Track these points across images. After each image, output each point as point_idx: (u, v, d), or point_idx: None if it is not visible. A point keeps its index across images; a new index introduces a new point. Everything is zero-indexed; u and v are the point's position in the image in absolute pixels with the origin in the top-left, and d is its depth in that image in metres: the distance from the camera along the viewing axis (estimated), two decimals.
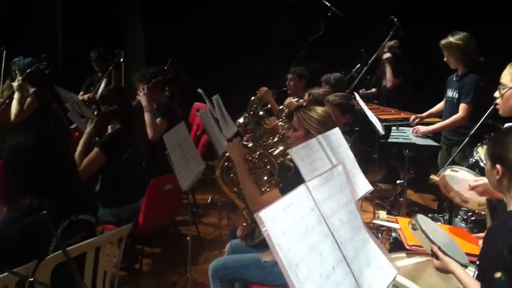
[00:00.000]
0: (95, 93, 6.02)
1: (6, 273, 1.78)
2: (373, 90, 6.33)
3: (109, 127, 4.02)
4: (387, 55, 5.84)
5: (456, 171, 2.82)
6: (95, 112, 4.80)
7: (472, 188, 2.57)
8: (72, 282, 1.90)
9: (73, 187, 2.28)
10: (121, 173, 3.65)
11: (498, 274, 1.48)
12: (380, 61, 6.00)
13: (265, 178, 3.14)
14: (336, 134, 2.70)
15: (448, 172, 2.83)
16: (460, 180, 2.75)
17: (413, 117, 4.77)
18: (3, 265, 1.75)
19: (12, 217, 2.10)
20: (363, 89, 6.33)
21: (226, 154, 3.10)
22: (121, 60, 6.11)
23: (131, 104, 4.09)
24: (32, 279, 1.72)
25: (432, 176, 2.94)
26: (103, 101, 3.88)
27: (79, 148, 3.56)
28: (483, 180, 2.54)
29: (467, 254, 2.19)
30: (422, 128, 4.43)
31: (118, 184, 3.68)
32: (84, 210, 2.30)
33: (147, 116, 4.20)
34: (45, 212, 1.53)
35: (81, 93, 6.18)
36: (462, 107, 4.13)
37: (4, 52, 5.21)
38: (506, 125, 2.99)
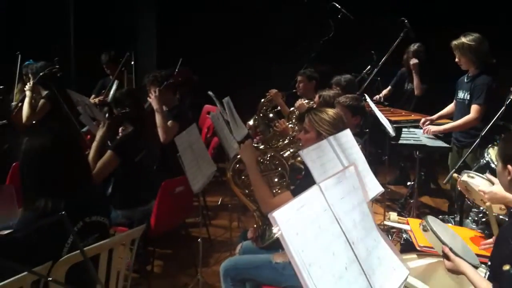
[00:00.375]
0: (106, 96, 6.06)
1: (24, 273, 1.81)
2: (384, 93, 6.23)
3: (120, 129, 4.05)
4: (414, 61, 5.62)
5: (472, 177, 2.83)
6: (107, 115, 4.84)
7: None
8: (86, 284, 1.93)
9: (87, 189, 2.31)
10: (134, 175, 3.68)
11: (506, 267, 1.49)
12: (405, 65, 5.86)
13: (276, 180, 3.15)
14: (347, 135, 2.71)
15: (465, 177, 2.84)
16: (476, 186, 2.76)
17: (423, 119, 4.76)
18: (19, 265, 1.77)
19: (28, 218, 2.14)
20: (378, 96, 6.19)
21: (238, 156, 3.11)
22: (132, 62, 6.14)
23: (143, 107, 4.12)
24: (50, 278, 1.74)
25: (455, 175, 2.95)
26: (115, 103, 3.91)
27: (92, 151, 3.58)
28: (490, 189, 2.56)
29: (478, 255, 2.20)
30: (433, 128, 4.41)
31: (131, 186, 3.70)
32: (97, 211, 2.33)
33: (158, 119, 4.22)
34: (63, 213, 1.55)
35: (93, 96, 6.23)
36: (474, 108, 4.11)
37: (20, 56, 5.25)
38: None
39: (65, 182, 2.19)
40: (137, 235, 2.47)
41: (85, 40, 7.05)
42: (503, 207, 2.70)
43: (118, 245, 2.39)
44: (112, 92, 5.94)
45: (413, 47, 5.65)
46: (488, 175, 2.77)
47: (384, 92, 6.18)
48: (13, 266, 1.58)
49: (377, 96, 6.10)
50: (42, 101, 4.90)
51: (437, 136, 4.42)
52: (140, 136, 3.77)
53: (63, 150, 2.22)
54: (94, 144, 3.64)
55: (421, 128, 4.63)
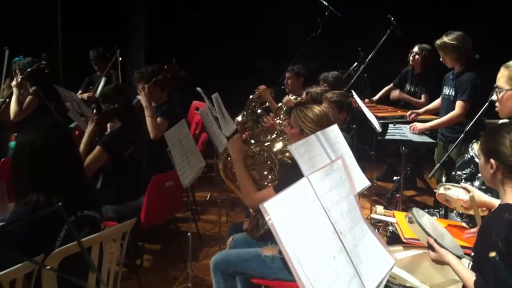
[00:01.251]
0: (94, 92, 6.06)
1: (18, 265, 1.83)
2: (386, 88, 6.06)
3: (109, 125, 4.06)
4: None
5: (449, 188, 2.89)
6: (94, 111, 4.85)
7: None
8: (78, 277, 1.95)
9: (79, 183, 2.33)
10: (123, 170, 3.70)
11: (492, 254, 1.53)
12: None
13: (266, 173, 3.19)
14: (334, 131, 2.75)
15: (441, 190, 2.90)
16: (454, 196, 2.82)
17: (409, 112, 4.83)
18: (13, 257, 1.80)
19: (20, 212, 2.16)
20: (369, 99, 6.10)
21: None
22: (119, 58, 6.14)
23: (132, 103, 4.13)
24: (48, 267, 1.76)
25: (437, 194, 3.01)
26: (104, 99, 3.92)
27: (81, 147, 3.58)
28: (468, 196, 2.63)
29: (462, 247, 2.26)
30: (419, 125, 4.48)
31: (120, 181, 3.72)
32: (88, 206, 2.35)
33: (147, 116, 4.23)
34: (59, 204, 1.58)
35: (80, 91, 6.22)
36: (459, 104, 4.18)
37: (7, 51, 5.22)
38: (501, 121, 3.05)
39: (57, 177, 2.21)
40: (127, 229, 2.50)
41: (72, 35, 7.02)
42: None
43: (109, 239, 2.41)
44: (100, 88, 5.94)
45: (417, 46, 5.55)
46: (463, 184, 2.83)
47: (386, 88, 6.06)
48: (11, 255, 1.60)
49: (368, 99, 6.07)
50: (29, 97, 4.88)
51: (423, 131, 4.49)
52: (128, 132, 3.79)
53: (55, 145, 2.24)
54: (83, 140, 3.65)
55: (408, 123, 4.71)
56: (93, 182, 3.75)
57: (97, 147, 3.60)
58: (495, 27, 6.22)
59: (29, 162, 2.19)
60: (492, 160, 2.01)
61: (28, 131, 2.27)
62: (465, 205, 2.72)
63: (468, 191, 2.69)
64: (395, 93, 5.65)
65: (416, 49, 5.56)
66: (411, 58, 5.60)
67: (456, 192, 2.82)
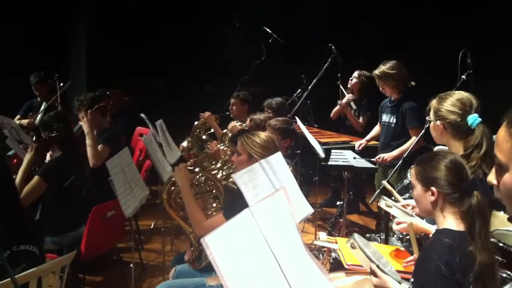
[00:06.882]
0: (34, 118, 5.88)
1: None
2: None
3: (48, 154, 3.94)
4: (348, 97, 5.63)
5: (390, 207, 2.96)
6: (34, 138, 4.69)
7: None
8: None
9: (14, 217, 2.25)
10: (63, 200, 3.60)
11: None
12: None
13: (211, 202, 3.18)
14: (278, 158, 2.78)
15: (383, 205, 2.97)
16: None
17: (357, 144, 4.96)
18: None
19: None
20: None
21: (172, 179, 3.13)
22: (61, 84, 5.99)
23: (72, 130, 4.03)
24: None
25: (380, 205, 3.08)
26: (44, 127, 3.81)
27: (19, 176, 3.47)
28: (409, 219, 2.69)
29: (400, 272, 2.31)
30: (389, 158, 4.47)
31: (60, 211, 3.61)
32: (26, 240, 2.26)
33: (89, 143, 4.13)
34: None
35: (18, 117, 6.02)
36: (413, 131, 4.33)
37: None
38: (437, 147, 3.16)
39: None
40: (67, 262, 2.42)
41: (10, 60, 6.81)
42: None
43: (48, 273, 2.33)
44: (40, 115, 5.77)
45: (357, 72, 5.71)
46: (402, 202, 2.92)
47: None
48: None
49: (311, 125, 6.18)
50: None
51: (363, 156, 4.61)
52: (69, 160, 3.69)
53: None
54: (21, 169, 3.53)
55: (350, 150, 4.84)
56: (32, 215, 3.62)
57: (36, 177, 3.49)
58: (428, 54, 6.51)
59: None
60: (433, 188, 2.04)
61: None
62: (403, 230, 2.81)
63: (409, 215, 2.77)
64: (343, 102, 5.68)
65: (355, 73, 5.74)
66: (350, 82, 5.77)
67: (395, 213, 2.90)
